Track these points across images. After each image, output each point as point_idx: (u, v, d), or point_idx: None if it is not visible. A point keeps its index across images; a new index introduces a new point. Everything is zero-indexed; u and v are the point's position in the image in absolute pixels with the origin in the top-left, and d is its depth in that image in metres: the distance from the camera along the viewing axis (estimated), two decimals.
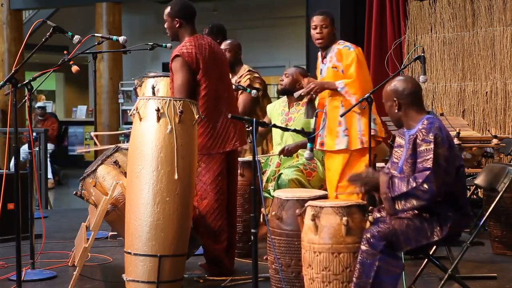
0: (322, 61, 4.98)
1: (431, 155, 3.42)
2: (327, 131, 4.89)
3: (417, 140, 3.50)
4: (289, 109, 5.75)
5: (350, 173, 4.64)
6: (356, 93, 4.73)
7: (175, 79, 4.57)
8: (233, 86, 6.03)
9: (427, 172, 3.40)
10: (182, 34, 4.70)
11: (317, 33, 4.90)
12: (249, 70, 6.18)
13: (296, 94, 5.04)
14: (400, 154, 3.66)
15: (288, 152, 5.48)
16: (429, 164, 3.41)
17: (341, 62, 4.83)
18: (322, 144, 4.93)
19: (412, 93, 3.61)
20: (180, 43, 4.72)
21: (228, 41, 6.26)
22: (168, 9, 4.70)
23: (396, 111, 3.62)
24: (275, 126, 4.05)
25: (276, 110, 5.83)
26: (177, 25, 4.68)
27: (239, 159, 5.61)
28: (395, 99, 3.61)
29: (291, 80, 5.67)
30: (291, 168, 5.44)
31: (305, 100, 5.10)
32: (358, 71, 4.77)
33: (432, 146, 3.43)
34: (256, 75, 6.18)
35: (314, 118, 4.62)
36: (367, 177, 3.59)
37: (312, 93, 4.86)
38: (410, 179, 3.44)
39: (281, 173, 5.43)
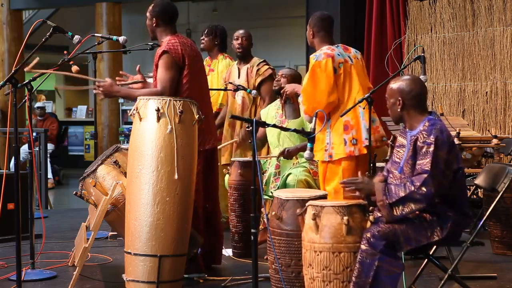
0: None
1: (430, 158, 3.42)
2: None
3: (418, 142, 3.49)
4: (282, 111, 5.75)
5: (333, 179, 4.67)
6: (304, 103, 4.73)
7: (162, 73, 4.56)
8: (234, 86, 6.05)
9: (425, 175, 3.40)
10: (160, 34, 4.74)
11: None
12: (265, 60, 6.23)
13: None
14: (402, 154, 3.65)
15: (288, 154, 5.48)
16: (427, 167, 3.41)
17: None
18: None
19: (417, 95, 3.59)
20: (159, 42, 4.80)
21: (243, 31, 6.29)
22: (150, 8, 4.76)
23: (398, 110, 3.62)
24: (275, 126, 4.05)
25: (270, 114, 5.83)
26: (153, 24, 4.73)
27: (239, 159, 5.62)
28: (399, 98, 3.59)
29: (288, 81, 5.68)
30: (299, 168, 5.43)
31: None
32: (307, 82, 4.72)
33: (432, 148, 3.43)
34: (272, 66, 6.28)
35: (314, 118, 4.61)
36: (363, 185, 3.60)
37: (284, 95, 4.94)
38: (408, 183, 3.43)
39: (290, 173, 5.42)
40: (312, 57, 4.77)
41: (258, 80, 6.13)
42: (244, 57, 6.28)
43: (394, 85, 3.64)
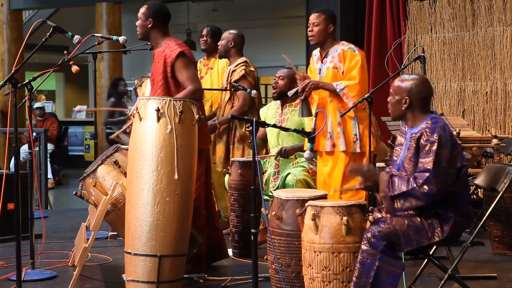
0: (322, 61, 4.96)
1: (433, 156, 3.42)
2: (320, 132, 4.82)
3: (421, 140, 3.49)
4: (282, 110, 5.74)
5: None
6: (355, 97, 4.73)
7: (188, 72, 4.58)
8: (233, 87, 6.04)
9: (427, 174, 3.40)
10: (155, 35, 4.73)
11: (308, 31, 4.95)
12: (245, 61, 6.14)
13: (290, 93, 5.11)
14: (400, 152, 3.65)
15: (285, 153, 5.48)
16: (429, 165, 3.41)
17: (342, 63, 4.80)
18: (334, 145, 4.88)
19: (425, 96, 3.60)
20: (149, 42, 4.81)
21: (234, 31, 6.26)
22: (143, 9, 4.75)
23: (403, 108, 3.61)
24: (275, 126, 4.05)
25: (270, 113, 5.83)
26: (149, 25, 4.71)
27: (239, 159, 5.62)
28: (407, 97, 3.58)
29: (286, 82, 5.66)
30: (298, 168, 5.44)
31: (299, 99, 5.09)
32: (361, 75, 4.75)
33: (435, 147, 3.43)
34: (252, 68, 6.10)
35: (314, 118, 4.61)
36: (368, 173, 3.60)
37: (306, 89, 4.82)
38: (411, 179, 3.44)
39: (289, 173, 5.42)
40: (351, 49, 4.81)
41: (233, 80, 6.10)
42: (228, 57, 6.27)
43: (403, 83, 3.61)
